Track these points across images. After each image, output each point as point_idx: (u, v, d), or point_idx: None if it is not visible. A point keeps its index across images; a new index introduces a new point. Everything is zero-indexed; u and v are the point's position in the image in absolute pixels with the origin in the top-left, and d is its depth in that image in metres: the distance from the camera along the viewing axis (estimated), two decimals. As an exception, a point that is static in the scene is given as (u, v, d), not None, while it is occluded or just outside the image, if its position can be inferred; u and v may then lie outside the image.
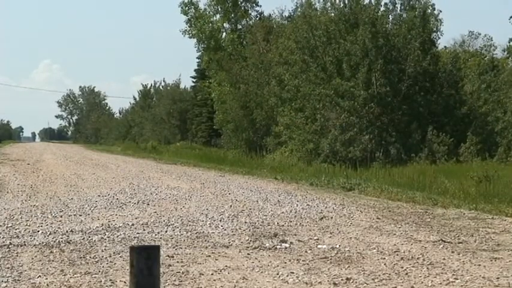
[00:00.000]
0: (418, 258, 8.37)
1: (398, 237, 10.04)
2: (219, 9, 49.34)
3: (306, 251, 8.90)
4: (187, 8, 49.57)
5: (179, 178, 22.18)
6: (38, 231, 10.53)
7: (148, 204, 14.32)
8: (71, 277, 7.46)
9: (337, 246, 9.21)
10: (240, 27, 49.84)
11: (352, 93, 28.09)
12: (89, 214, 12.61)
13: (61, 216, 12.25)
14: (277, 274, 7.54)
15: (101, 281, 7.23)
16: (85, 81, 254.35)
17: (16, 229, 10.73)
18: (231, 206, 14.00)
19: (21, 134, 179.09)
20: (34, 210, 13.07)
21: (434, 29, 30.98)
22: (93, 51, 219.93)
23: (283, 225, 11.21)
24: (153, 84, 78.48)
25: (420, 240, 9.72)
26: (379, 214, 12.73)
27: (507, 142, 27.20)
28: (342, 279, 7.26)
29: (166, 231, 10.51)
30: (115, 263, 8.12)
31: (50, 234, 10.27)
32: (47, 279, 7.38)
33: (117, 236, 10.05)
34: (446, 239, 9.83)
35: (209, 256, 8.55)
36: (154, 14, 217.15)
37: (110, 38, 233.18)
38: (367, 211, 13.20)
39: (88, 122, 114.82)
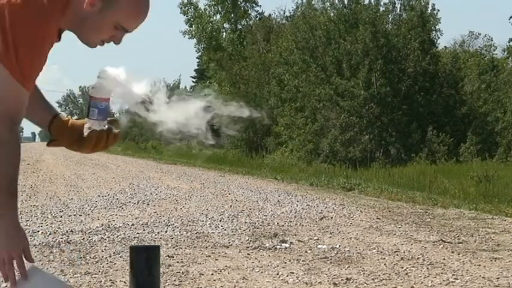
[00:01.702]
0: (418, 258, 8.37)
1: (398, 237, 10.04)
2: (219, 9, 49.37)
3: (306, 251, 8.89)
4: (186, 8, 49.62)
5: (179, 178, 22.18)
6: (38, 231, 10.53)
7: (148, 204, 14.31)
8: (71, 277, 7.45)
9: (337, 246, 9.20)
10: (240, 27, 49.86)
11: (352, 93, 28.12)
12: (88, 214, 12.61)
13: (61, 217, 12.24)
14: (277, 274, 7.53)
15: (100, 281, 7.22)
16: (85, 81, 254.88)
17: (16, 229, 10.71)
18: (231, 206, 14.00)
19: (21, 134, 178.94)
20: (34, 210, 13.07)
21: (433, 27, 31.03)
22: (92, 51, 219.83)
23: (283, 225, 11.21)
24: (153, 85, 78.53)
25: (420, 240, 9.72)
26: (379, 214, 12.73)
27: (507, 142, 27.22)
28: (342, 279, 7.25)
29: (166, 231, 10.50)
30: (115, 263, 8.11)
31: (49, 234, 10.26)
32: (46, 279, 7.36)
33: (117, 236, 10.05)
34: (446, 239, 9.83)
35: (209, 256, 8.54)
36: (154, 14, 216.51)
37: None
38: (367, 211, 13.19)
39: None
